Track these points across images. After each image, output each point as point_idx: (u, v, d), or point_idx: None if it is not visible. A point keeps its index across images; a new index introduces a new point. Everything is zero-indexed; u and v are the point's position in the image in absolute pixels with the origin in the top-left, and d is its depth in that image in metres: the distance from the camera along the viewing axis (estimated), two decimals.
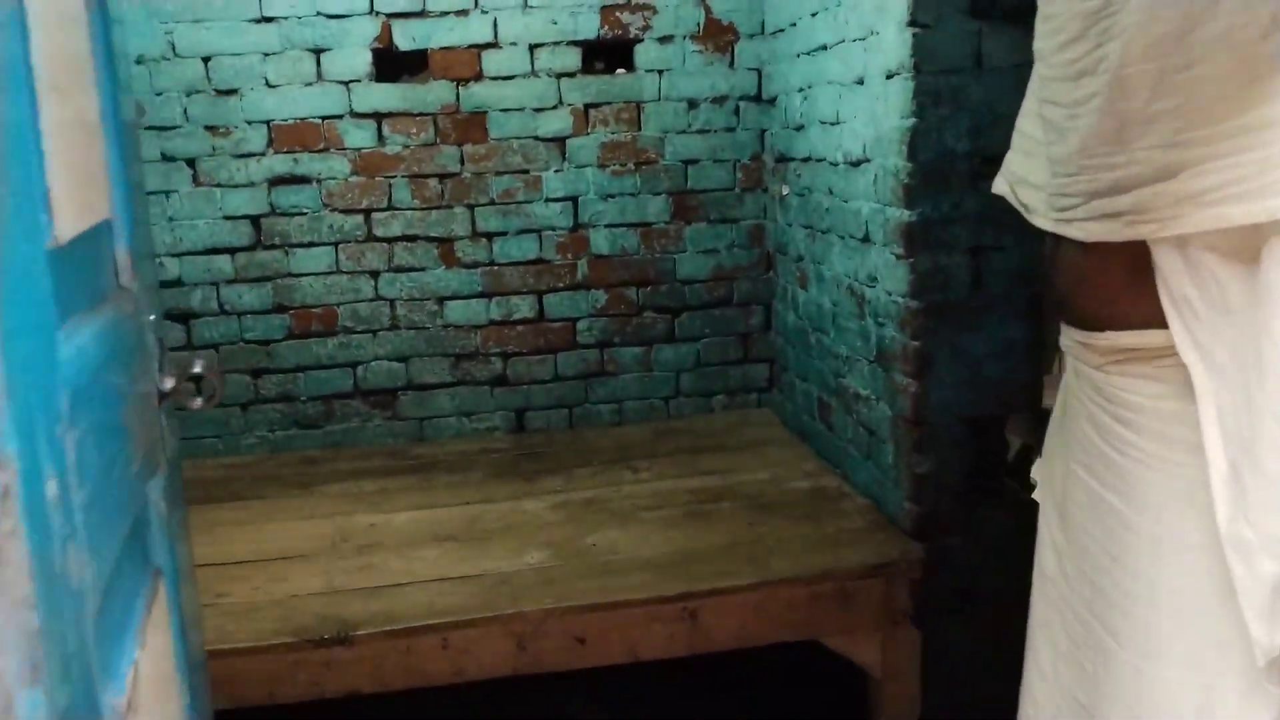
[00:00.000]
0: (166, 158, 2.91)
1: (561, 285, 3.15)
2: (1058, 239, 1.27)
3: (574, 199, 3.11)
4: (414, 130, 3.00)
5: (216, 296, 3.01)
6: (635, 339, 3.21)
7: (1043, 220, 1.29)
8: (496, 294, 3.12)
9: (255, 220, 2.98)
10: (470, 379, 3.16)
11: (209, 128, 2.91)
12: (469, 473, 2.90)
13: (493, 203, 3.07)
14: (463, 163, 3.04)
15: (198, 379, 1.11)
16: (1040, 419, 2.27)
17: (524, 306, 3.14)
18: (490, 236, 3.09)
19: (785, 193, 2.99)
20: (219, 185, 2.95)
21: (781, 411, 3.18)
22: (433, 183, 3.04)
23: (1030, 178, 1.33)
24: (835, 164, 2.56)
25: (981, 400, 2.21)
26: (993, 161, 1.97)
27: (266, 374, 3.06)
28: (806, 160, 2.78)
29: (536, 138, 3.06)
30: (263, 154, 2.95)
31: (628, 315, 3.19)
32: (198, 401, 1.02)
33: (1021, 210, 1.36)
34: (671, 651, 2.11)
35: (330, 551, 2.39)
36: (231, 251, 2.98)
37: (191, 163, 2.93)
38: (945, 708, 2.26)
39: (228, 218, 2.96)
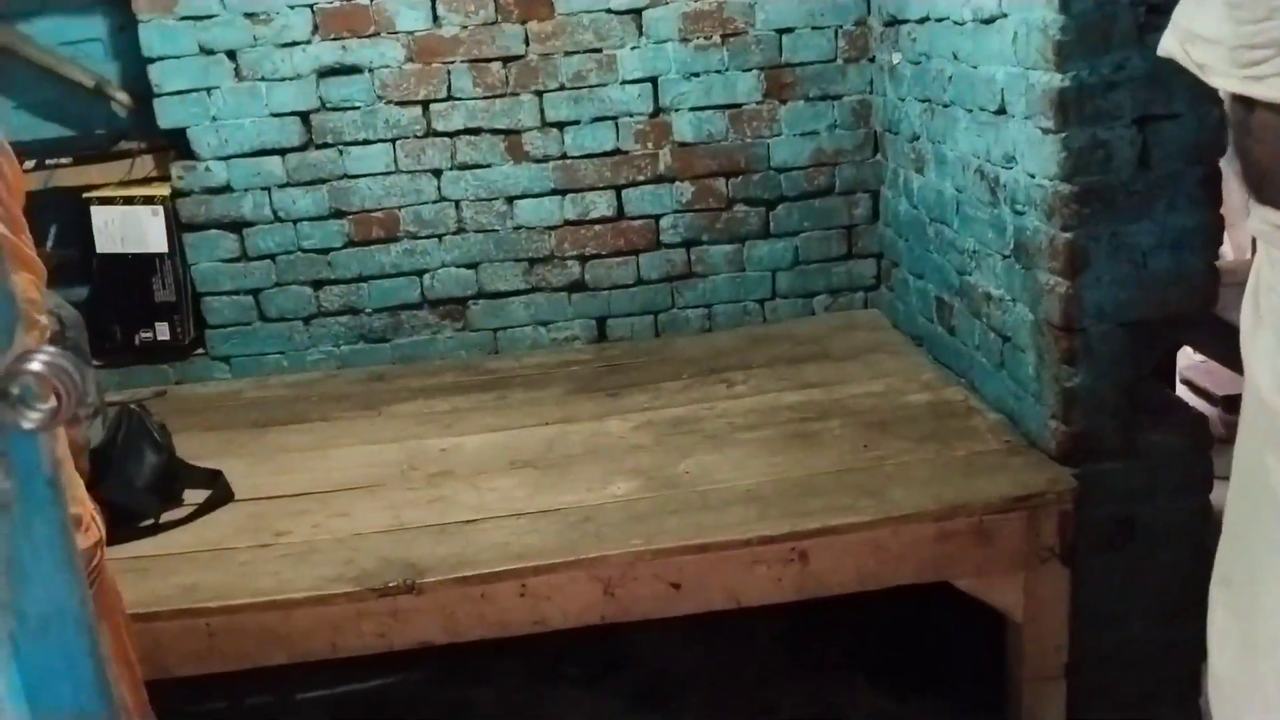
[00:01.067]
0: (205, 50, 2.64)
1: (642, 178, 2.82)
2: (1248, 103, 1.08)
3: (653, 79, 2.76)
4: (472, 8, 2.67)
5: (269, 203, 2.76)
6: (725, 236, 2.88)
7: (1225, 80, 1.09)
8: (570, 190, 2.82)
9: (305, 117, 2.71)
10: (545, 285, 2.88)
11: (248, 15, 2.62)
12: (547, 389, 2.64)
13: (562, 88, 2.74)
14: (527, 43, 2.71)
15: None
16: (1215, 323, 1.91)
17: (601, 204, 2.83)
18: (561, 126, 2.77)
19: (896, 61, 2.60)
20: (263, 79, 2.67)
21: (893, 313, 2.84)
22: (495, 67, 2.72)
23: (1205, 30, 1.10)
24: (961, 22, 2.17)
25: (1146, 301, 1.85)
26: (1162, 12, 1.58)
27: (328, 285, 2.82)
28: (923, 21, 2.38)
29: (609, 10, 2.70)
30: (308, 42, 2.65)
31: (716, 210, 2.86)
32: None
33: (1196, 71, 1.13)
34: (778, 597, 1.85)
35: (398, 481, 2.17)
36: (282, 153, 2.72)
37: (232, 55, 2.65)
38: (1095, 655, 1.97)
39: (275, 115, 2.69)
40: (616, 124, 2.78)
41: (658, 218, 2.86)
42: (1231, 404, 3.30)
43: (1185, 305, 1.85)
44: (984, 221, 2.15)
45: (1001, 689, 2.00)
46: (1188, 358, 3.26)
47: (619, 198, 2.84)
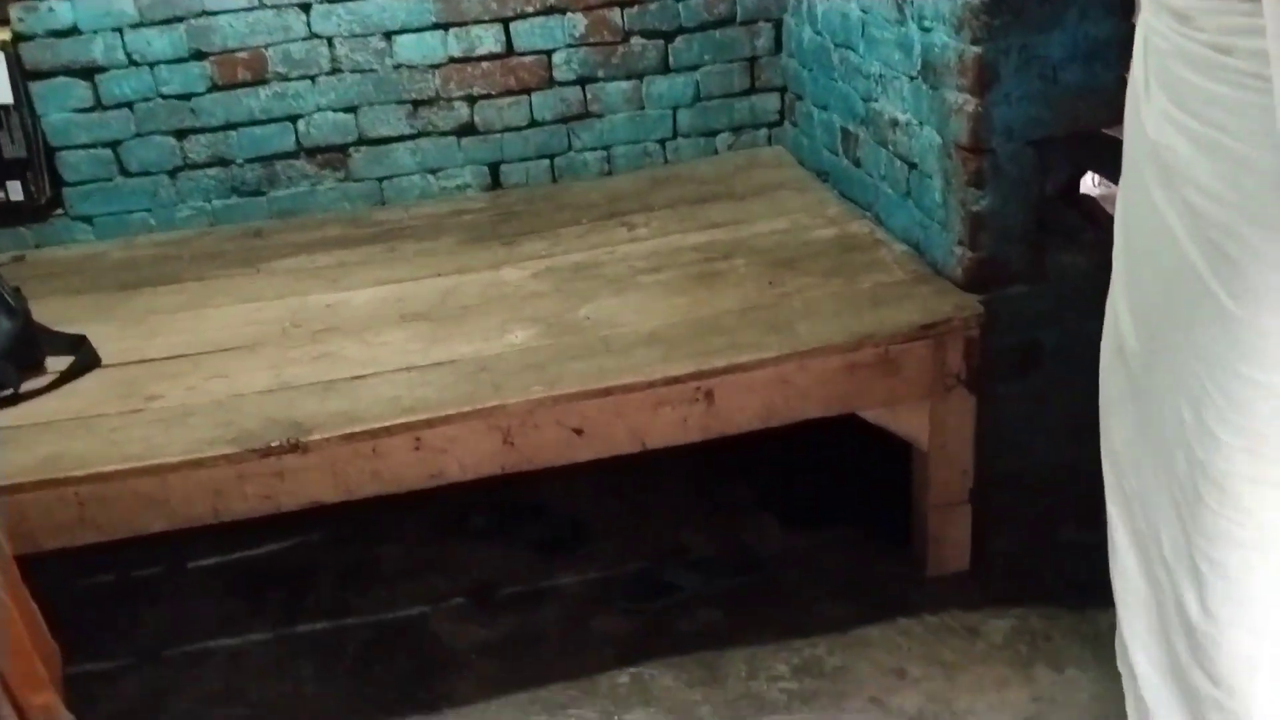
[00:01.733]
0: None
1: (531, 10, 2.63)
2: None
3: None
4: None
5: (122, 45, 2.50)
6: (622, 72, 2.72)
7: None
8: (454, 24, 2.61)
9: None
10: (432, 129, 2.70)
11: None
12: (439, 239, 2.50)
13: None
14: None
15: None
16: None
17: (488, 38, 2.64)
18: None
19: None
20: None
21: (797, 149, 2.74)
22: None
23: None
24: None
25: (1056, 117, 1.79)
26: None
27: (193, 134, 2.59)
28: None
29: None
30: None
31: (612, 43, 2.69)
32: None
33: None
34: (684, 438, 1.80)
35: (280, 340, 2.04)
36: None
37: None
38: (999, 481, 1.98)
39: None
40: None
41: (549, 53, 2.69)
42: None
43: (1096, 119, 1.79)
44: (891, 42, 2.04)
45: (908, 519, 2.01)
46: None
47: (507, 32, 2.65)
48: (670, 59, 2.73)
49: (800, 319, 1.88)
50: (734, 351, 1.80)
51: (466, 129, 2.72)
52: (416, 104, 2.67)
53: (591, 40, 2.68)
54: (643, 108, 2.77)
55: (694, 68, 2.75)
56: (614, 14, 2.66)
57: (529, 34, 2.66)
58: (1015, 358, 1.94)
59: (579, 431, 1.75)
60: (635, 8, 2.66)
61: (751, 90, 2.80)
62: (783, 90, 2.79)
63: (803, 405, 1.81)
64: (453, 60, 2.65)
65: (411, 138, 2.70)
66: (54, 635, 1.48)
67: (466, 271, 2.30)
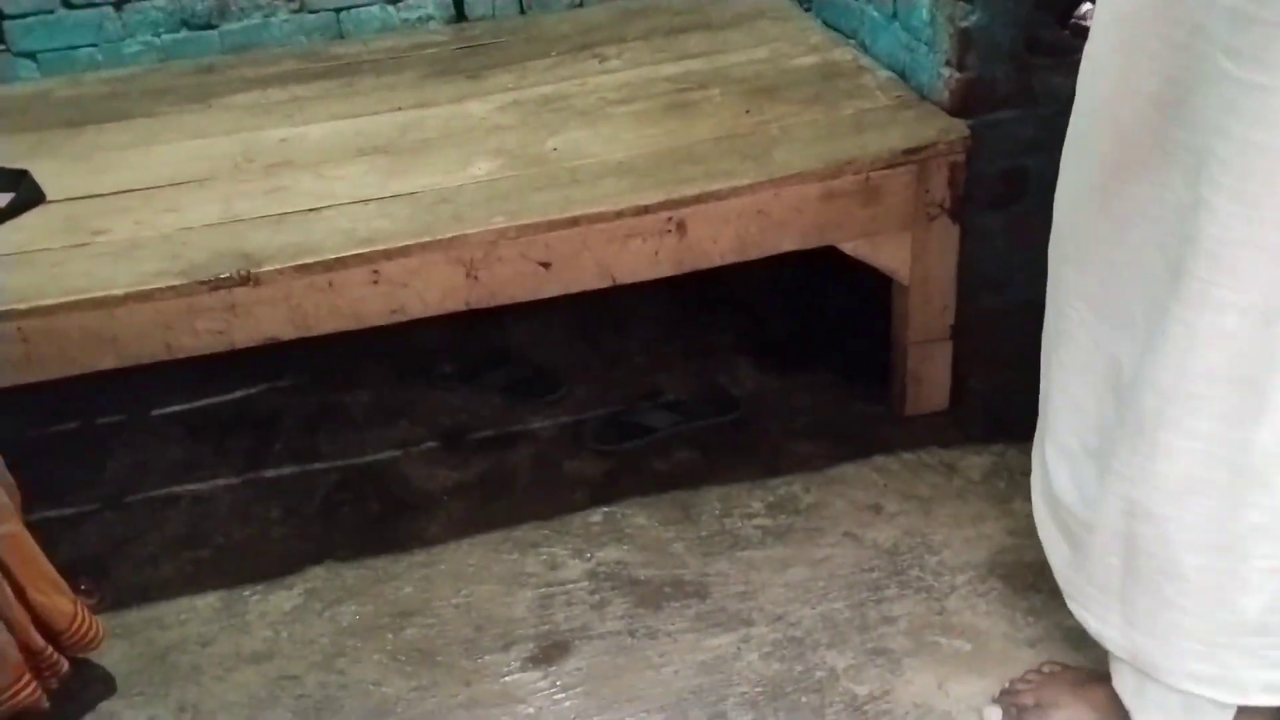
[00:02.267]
0: None
1: None
2: None
3: None
4: None
5: None
6: None
7: None
8: None
9: None
10: None
11: None
12: (400, 73, 2.37)
13: None
14: None
15: None
16: None
17: None
18: None
19: None
20: None
21: None
22: None
23: None
24: None
25: None
26: None
27: None
28: None
29: None
30: None
31: None
32: None
33: None
34: (655, 272, 1.73)
35: (231, 174, 1.93)
36: None
37: None
38: (979, 317, 1.93)
39: None
40: None
41: None
42: None
43: None
44: None
45: (887, 358, 1.96)
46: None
47: None
48: None
49: (777, 146, 1.79)
50: (707, 180, 1.71)
51: None
52: None
53: None
54: None
55: None
56: None
57: None
58: (1000, 187, 1.86)
59: (545, 265, 1.68)
60: None
61: None
62: None
63: (779, 236, 1.73)
64: None
65: None
66: (15, 480, 1.44)
67: (428, 105, 2.18)
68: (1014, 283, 1.95)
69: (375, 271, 1.63)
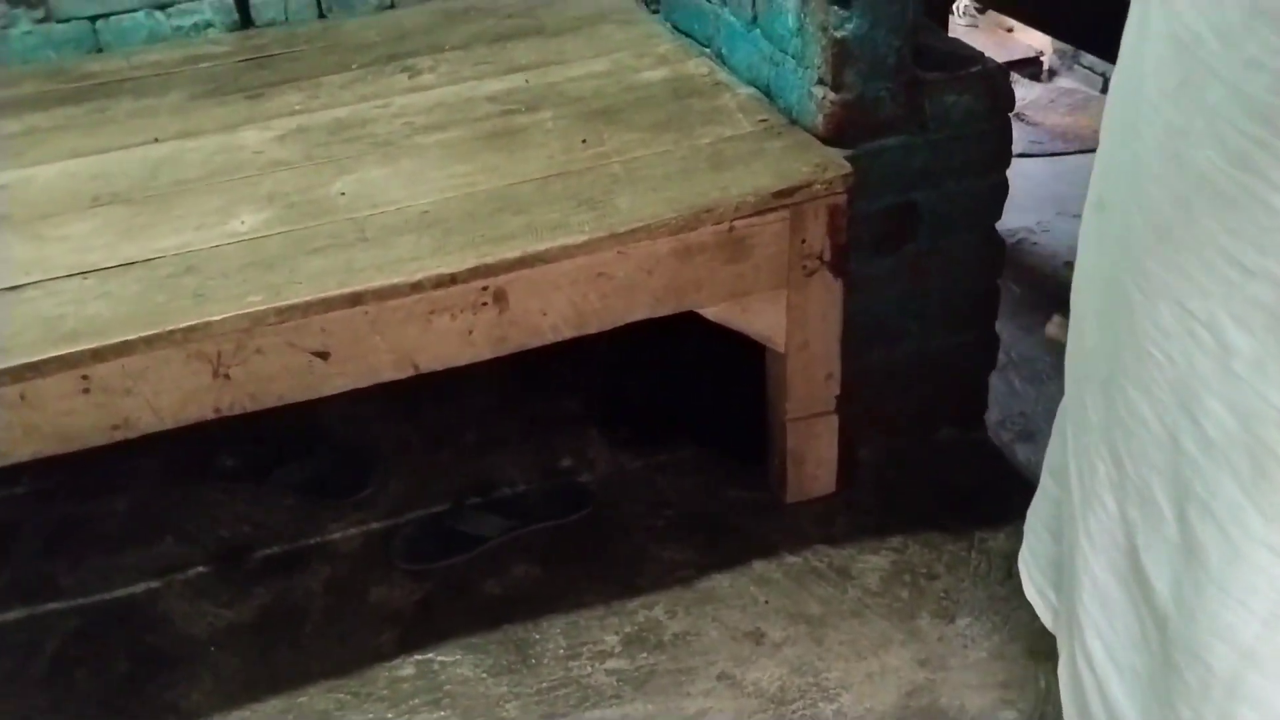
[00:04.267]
0: None
1: None
2: None
3: None
4: None
5: None
6: None
7: None
8: None
9: None
10: None
11: None
12: (165, 95, 1.93)
13: None
14: None
15: None
16: None
17: None
18: None
19: None
20: None
21: None
22: None
23: None
24: None
25: None
26: None
27: None
28: None
29: None
30: None
31: None
32: None
33: None
34: (470, 355, 1.36)
35: None
36: None
37: None
38: (867, 378, 1.62)
39: None
40: None
41: None
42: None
43: None
44: None
45: (763, 432, 1.64)
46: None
47: None
48: None
49: (620, 189, 1.44)
50: (532, 236, 1.34)
51: None
52: None
53: None
54: None
55: None
56: None
57: None
58: (887, 226, 1.55)
59: (323, 355, 1.29)
60: None
61: None
62: None
63: (625, 304, 1.38)
64: None
65: None
66: None
67: (193, 135, 1.76)
68: (907, 334, 1.65)
69: (85, 378, 1.21)
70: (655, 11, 2.08)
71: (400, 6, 2.26)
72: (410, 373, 1.34)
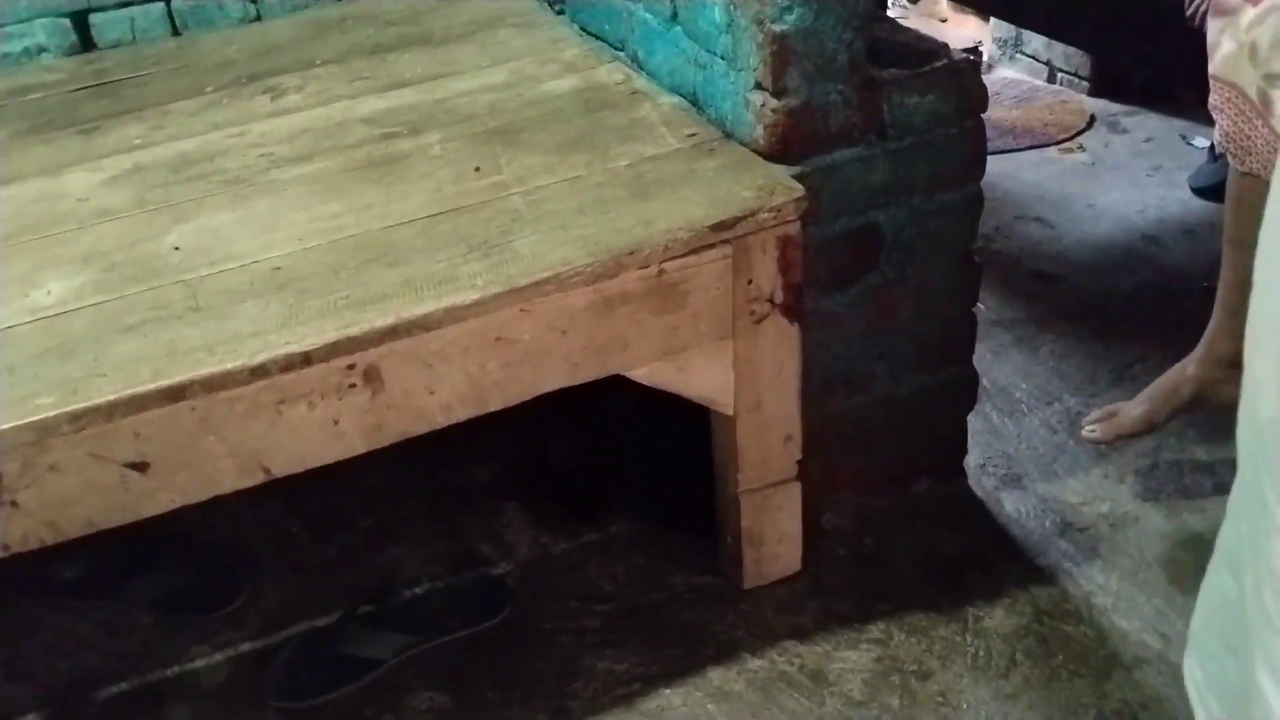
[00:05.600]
0: None
1: None
2: None
3: None
4: None
5: None
6: None
7: None
8: None
9: None
10: None
11: None
12: None
13: None
14: None
15: None
16: None
17: None
18: None
19: None
20: None
21: None
22: None
23: None
24: None
25: None
26: None
27: None
28: None
29: None
30: None
31: None
32: None
33: None
34: (338, 451, 1.08)
35: None
36: None
37: None
38: (830, 430, 1.37)
39: None
40: None
41: None
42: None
43: None
44: None
45: (714, 503, 1.37)
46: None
47: None
48: None
49: (522, 228, 1.17)
50: (410, 296, 1.07)
51: None
52: None
53: None
54: None
55: None
56: None
57: None
58: (846, 254, 1.31)
59: (139, 467, 1.00)
60: None
61: None
62: None
63: (534, 375, 1.11)
64: None
65: None
66: None
67: (8, 183, 1.46)
68: (874, 378, 1.40)
69: None
70: (560, 12, 1.81)
71: (266, 18, 1.96)
72: (261, 479, 1.05)
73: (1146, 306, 1.84)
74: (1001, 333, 1.79)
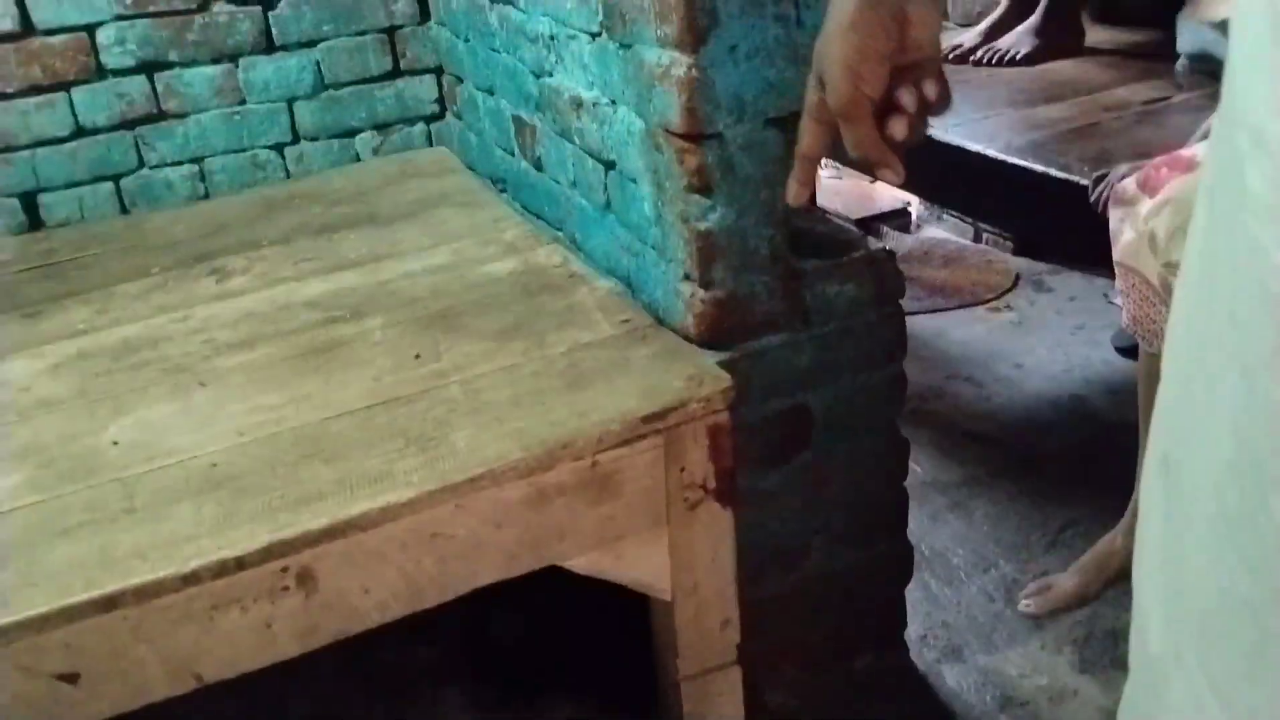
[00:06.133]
0: None
1: None
2: None
3: None
4: None
5: None
6: (207, 51, 1.93)
7: None
8: None
9: None
10: None
11: None
12: None
13: None
14: None
15: None
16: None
17: None
18: None
19: None
20: None
21: (464, 149, 2.05)
22: None
23: None
24: None
25: (805, 80, 1.18)
26: None
27: None
28: None
29: None
30: None
31: (186, 12, 1.90)
32: None
33: None
34: (271, 655, 1.07)
35: None
36: None
37: None
38: (769, 605, 1.38)
39: None
40: None
41: (92, 29, 1.85)
42: (867, 228, 2.87)
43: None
44: None
45: (655, 686, 1.37)
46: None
47: (20, 2, 1.80)
48: (274, 31, 1.96)
49: (459, 420, 1.19)
50: (345, 495, 1.08)
51: None
52: None
53: (152, 9, 1.87)
54: (244, 101, 1.99)
55: (311, 43, 2.00)
56: None
57: (52, 3, 1.81)
58: (776, 435, 1.34)
59: (70, 679, 0.98)
60: None
61: (396, 73, 2.08)
62: (438, 71, 2.09)
63: (469, 569, 1.12)
64: None
65: None
66: None
67: None
68: (810, 553, 1.43)
69: None
70: (503, 190, 1.89)
71: (215, 195, 2.02)
72: (193, 685, 1.04)
73: (1076, 467, 1.89)
74: (936, 495, 1.83)
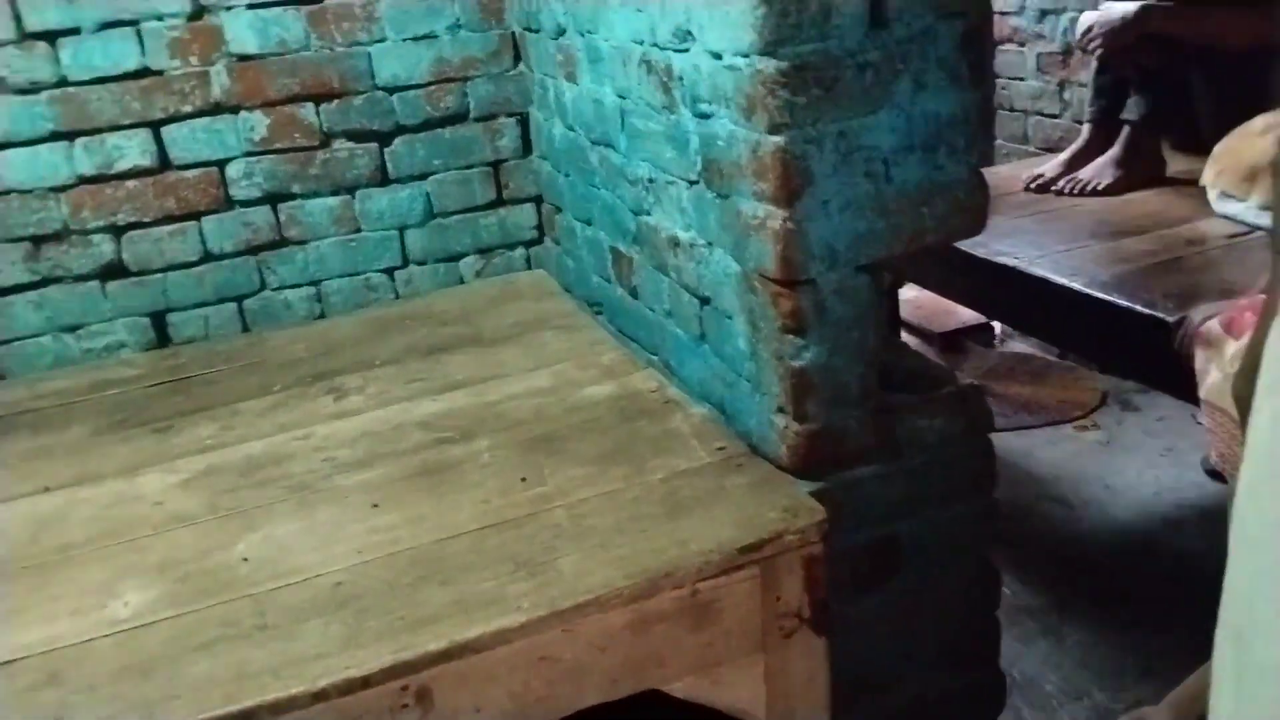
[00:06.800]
0: None
1: (189, 109, 1.97)
2: None
3: None
4: None
5: None
6: (327, 185, 2.09)
7: None
8: (81, 133, 1.92)
9: None
10: (64, 273, 1.98)
11: None
12: (66, 429, 1.77)
13: None
14: None
15: None
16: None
17: (131, 149, 1.96)
18: (52, 37, 1.86)
19: None
20: None
21: (561, 273, 2.16)
22: None
23: None
24: None
25: (894, 231, 1.26)
26: None
27: None
28: None
29: None
30: None
31: (308, 148, 2.06)
32: None
33: None
34: None
35: None
36: None
37: None
38: None
39: None
40: (139, 30, 1.91)
41: (222, 164, 2.02)
42: (951, 342, 2.91)
43: (949, 232, 1.27)
44: (659, 135, 1.49)
45: None
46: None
47: (158, 139, 1.97)
48: (389, 165, 2.11)
49: (564, 545, 1.26)
50: (461, 618, 1.15)
51: (113, 270, 2.01)
52: (38, 240, 1.95)
53: (279, 146, 2.03)
54: (358, 229, 2.13)
55: (421, 176, 2.14)
56: (306, 111, 2.03)
57: (190, 140, 1.98)
58: (868, 563, 1.38)
59: None
60: (334, 103, 2.04)
61: (499, 202, 2.21)
62: (538, 200, 2.22)
63: (574, 691, 1.17)
64: (84, 180, 1.95)
65: (35, 286, 1.98)
66: None
67: (88, 482, 1.58)
68: (901, 680, 1.45)
69: None
70: (598, 313, 1.98)
71: (331, 315, 2.15)
72: None
73: (1169, 593, 1.88)
74: (1027, 619, 1.83)
